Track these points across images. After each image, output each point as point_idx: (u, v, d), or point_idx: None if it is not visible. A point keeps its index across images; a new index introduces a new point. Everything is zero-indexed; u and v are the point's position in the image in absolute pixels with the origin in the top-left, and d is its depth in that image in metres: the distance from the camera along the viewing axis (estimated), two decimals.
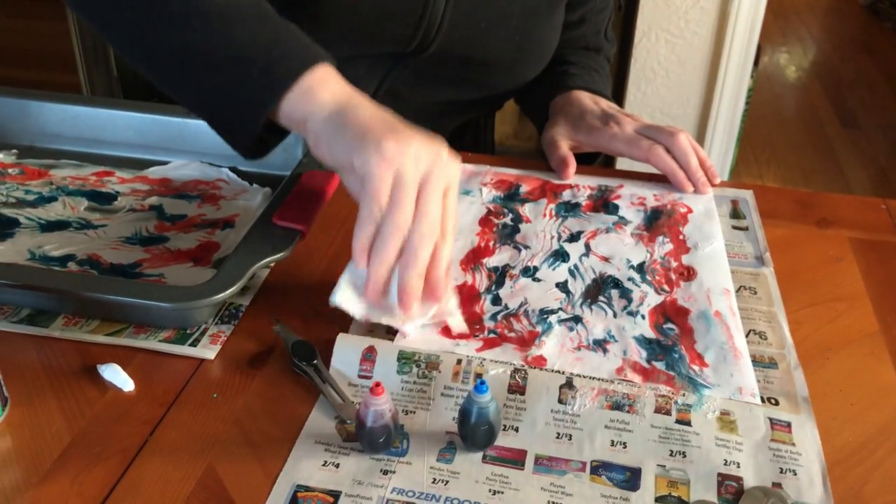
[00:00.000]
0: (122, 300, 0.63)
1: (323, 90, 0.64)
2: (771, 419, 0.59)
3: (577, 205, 0.83)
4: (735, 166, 2.63)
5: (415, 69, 0.91)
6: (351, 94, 0.65)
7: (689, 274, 0.73)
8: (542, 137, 0.92)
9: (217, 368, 0.62)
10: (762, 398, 0.61)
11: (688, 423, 0.58)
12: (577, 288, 0.72)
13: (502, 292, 0.71)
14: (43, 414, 0.58)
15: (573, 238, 0.78)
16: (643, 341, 0.66)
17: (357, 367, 0.62)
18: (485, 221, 0.80)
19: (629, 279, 0.73)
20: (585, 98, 0.94)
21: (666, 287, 0.72)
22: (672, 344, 0.66)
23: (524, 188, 0.86)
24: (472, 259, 0.75)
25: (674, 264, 0.75)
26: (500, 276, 0.73)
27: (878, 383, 0.63)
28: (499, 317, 0.68)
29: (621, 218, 0.81)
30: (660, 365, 0.63)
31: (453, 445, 0.56)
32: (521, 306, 0.69)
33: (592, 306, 0.70)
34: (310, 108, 0.64)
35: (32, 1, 3.64)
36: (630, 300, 0.70)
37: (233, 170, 0.85)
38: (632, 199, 0.84)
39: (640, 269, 0.74)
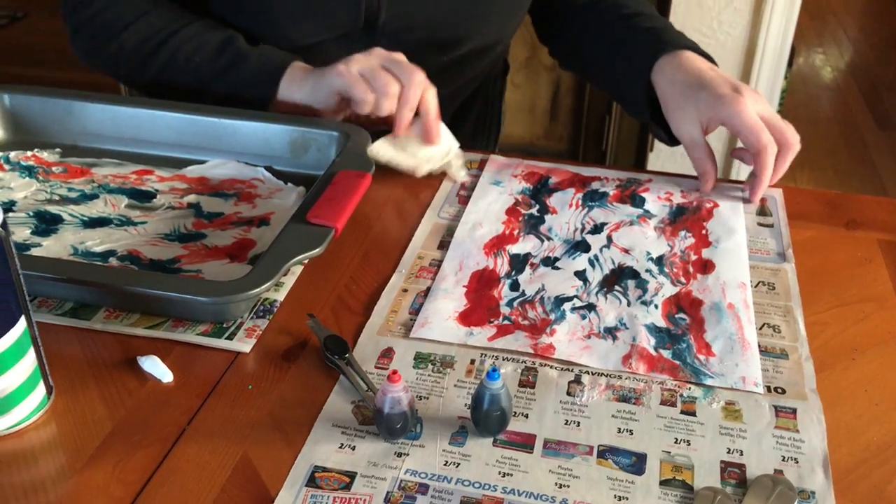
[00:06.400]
0: (162, 294, 0.65)
1: (295, 85, 0.87)
2: (776, 407, 0.60)
3: (605, 194, 0.85)
4: None
5: (386, 44, 0.91)
6: (311, 70, 0.87)
7: (706, 267, 0.75)
8: (679, 132, 0.86)
9: (252, 361, 0.64)
10: (769, 387, 0.62)
11: (692, 414, 0.60)
12: (595, 277, 0.73)
13: (521, 278, 0.73)
14: (86, 403, 0.60)
15: (596, 230, 0.80)
16: (653, 329, 0.67)
17: (374, 361, 0.64)
18: (511, 211, 0.82)
19: (647, 270, 0.74)
20: (701, 63, 0.87)
21: (682, 279, 0.74)
22: (682, 333, 0.67)
23: (553, 179, 0.88)
24: (496, 244, 0.77)
25: (693, 257, 0.76)
26: (520, 263, 0.75)
27: None
28: (515, 303, 0.70)
29: (646, 211, 0.83)
30: (666, 353, 0.65)
31: (465, 430, 0.58)
32: (537, 293, 0.71)
33: (608, 295, 0.71)
34: (293, 97, 0.87)
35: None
36: (645, 290, 0.72)
37: (268, 169, 0.87)
38: (659, 194, 0.86)
39: (659, 261, 0.76)
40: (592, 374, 0.63)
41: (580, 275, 0.74)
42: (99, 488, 0.54)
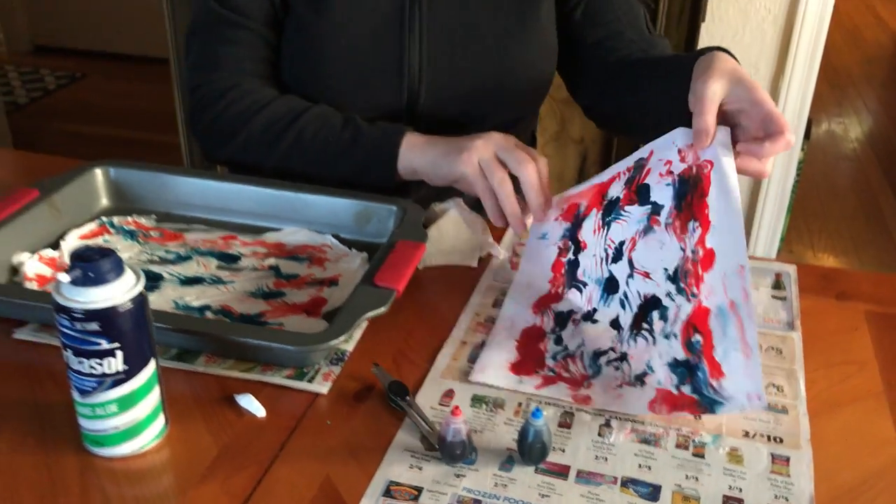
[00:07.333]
0: (256, 343, 0.78)
1: (412, 150, 1.00)
2: (773, 454, 0.72)
3: (617, 200, 0.87)
4: (786, 235, 2.73)
5: (424, 125, 1.06)
6: (428, 139, 1.00)
7: (709, 261, 0.78)
8: (704, 87, 0.82)
9: (329, 401, 0.77)
10: (769, 437, 0.74)
11: (702, 456, 0.72)
12: (626, 320, 0.84)
13: (565, 334, 0.85)
14: (194, 432, 0.73)
15: (617, 254, 0.86)
16: (674, 365, 0.78)
17: (438, 399, 0.77)
18: (556, 265, 0.92)
19: (667, 294, 0.81)
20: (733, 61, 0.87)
21: (695, 289, 0.78)
22: (698, 361, 0.76)
23: (583, 205, 0.91)
24: (544, 304, 0.89)
25: (701, 253, 0.79)
26: (564, 319, 0.87)
27: (878, 435, 0.75)
28: (558, 357, 0.82)
29: (654, 204, 0.83)
30: (686, 389, 0.76)
31: (512, 459, 0.71)
32: (578, 347, 0.83)
33: (637, 338, 0.82)
34: (413, 163, 1.00)
35: (138, 65, 3.95)
36: (666, 319, 0.80)
37: (335, 236, 1.01)
38: (660, 171, 0.84)
39: (675, 276, 0.81)
40: (620, 419, 0.75)
41: (615, 323, 0.85)
42: (211, 500, 0.66)
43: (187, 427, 0.74)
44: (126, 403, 0.68)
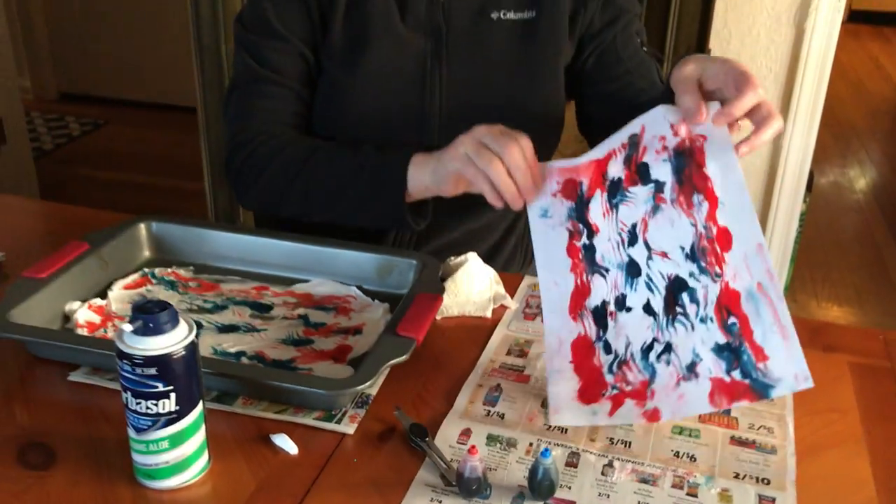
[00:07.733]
0: (290, 387, 0.86)
1: (418, 167, 1.04)
2: (760, 495, 0.79)
3: (620, 181, 0.90)
4: (790, 284, 2.80)
5: None
6: (430, 154, 1.04)
7: (727, 241, 0.82)
8: (673, 77, 0.90)
9: (355, 441, 0.85)
10: (757, 478, 0.80)
11: (695, 496, 0.79)
12: (658, 304, 0.87)
13: (609, 336, 0.90)
14: (234, 468, 0.81)
15: (632, 237, 0.89)
16: (718, 350, 0.83)
17: (456, 438, 0.84)
18: (571, 249, 0.92)
19: (690, 274, 0.85)
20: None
21: (717, 269, 0.82)
22: (739, 344, 0.81)
23: (585, 183, 0.92)
24: (578, 303, 0.91)
25: (714, 230, 0.83)
26: (602, 318, 0.90)
27: (857, 476, 0.82)
28: (614, 368, 0.88)
29: (656, 182, 0.87)
30: (737, 375, 0.81)
31: (523, 494, 0.78)
32: (626, 348, 0.88)
33: (675, 324, 0.86)
34: (421, 179, 1.04)
35: (160, 112, 4.07)
36: (698, 302, 0.84)
37: (359, 288, 1.09)
38: (655, 147, 0.87)
39: (693, 255, 0.84)
40: (622, 460, 0.82)
41: (648, 310, 0.88)
42: None
43: (228, 463, 0.81)
44: (177, 440, 0.76)
